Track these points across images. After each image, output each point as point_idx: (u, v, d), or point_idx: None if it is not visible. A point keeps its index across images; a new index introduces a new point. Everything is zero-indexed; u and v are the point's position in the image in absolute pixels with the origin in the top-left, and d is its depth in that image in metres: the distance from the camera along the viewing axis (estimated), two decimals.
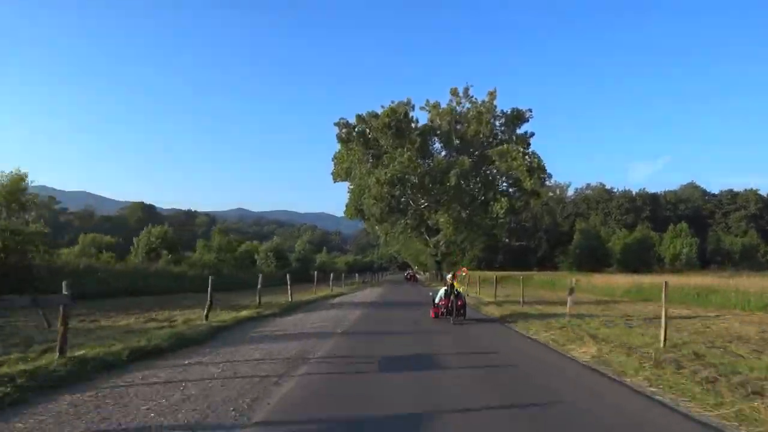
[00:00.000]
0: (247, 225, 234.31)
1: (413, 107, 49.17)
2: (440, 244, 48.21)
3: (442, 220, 43.29)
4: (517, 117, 50.91)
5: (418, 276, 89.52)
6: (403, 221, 48.30)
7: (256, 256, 54.01)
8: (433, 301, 14.72)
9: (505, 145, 47.29)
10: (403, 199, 51.56)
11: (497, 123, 51.06)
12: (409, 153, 43.81)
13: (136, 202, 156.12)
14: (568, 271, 79.06)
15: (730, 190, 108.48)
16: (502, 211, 44.08)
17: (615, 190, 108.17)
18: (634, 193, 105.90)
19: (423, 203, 48.77)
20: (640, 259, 73.75)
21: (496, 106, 50.04)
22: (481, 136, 48.98)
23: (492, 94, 49.51)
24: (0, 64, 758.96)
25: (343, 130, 49.38)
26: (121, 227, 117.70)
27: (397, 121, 45.45)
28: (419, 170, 44.26)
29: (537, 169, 46.40)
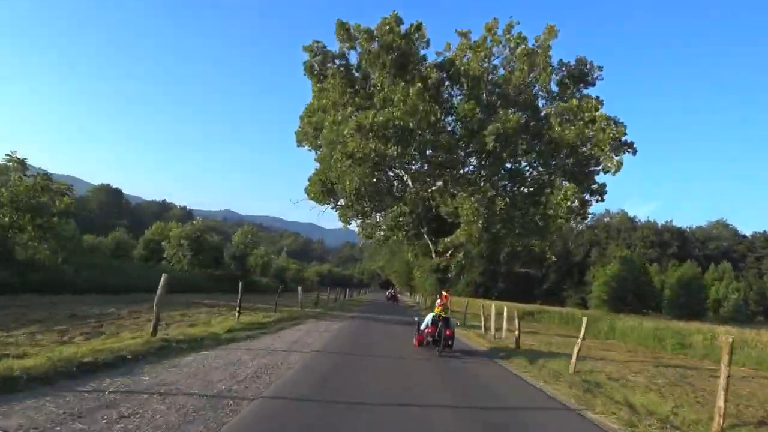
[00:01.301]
0: (228, 225, 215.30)
1: (427, 43, 29.56)
2: (452, 251, 28.29)
3: (465, 206, 23.23)
4: (580, 77, 31.59)
5: (400, 296, 70.76)
6: (396, 209, 28.12)
7: (164, 244, 33.36)
8: (418, 327, 12.66)
9: (574, 100, 27.89)
10: (397, 182, 31.75)
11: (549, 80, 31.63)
12: (419, 86, 24.07)
13: (100, 185, 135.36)
14: (581, 309, 59.64)
15: (764, 232, 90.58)
16: (566, 205, 24.33)
17: (638, 219, 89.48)
18: (659, 225, 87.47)
19: (430, 182, 28.76)
20: (687, 303, 54.59)
21: (551, 56, 30.58)
22: (533, 85, 29.55)
23: (551, 31, 30.04)
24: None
25: (316, 59, 29.57)
26: (80, 210, 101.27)
27: (402, 38, 25.84)
28: (433, 119, 24.39)
29: (622, 146, 26.95)
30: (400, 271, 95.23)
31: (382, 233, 36.20)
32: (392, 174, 31.84)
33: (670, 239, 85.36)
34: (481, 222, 22.83)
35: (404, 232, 33.33)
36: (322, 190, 29.99)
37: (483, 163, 25.96)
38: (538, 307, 36.82)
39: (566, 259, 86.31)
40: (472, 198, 23.52)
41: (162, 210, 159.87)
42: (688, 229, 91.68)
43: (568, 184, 25.14)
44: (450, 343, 11.70)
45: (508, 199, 24.71)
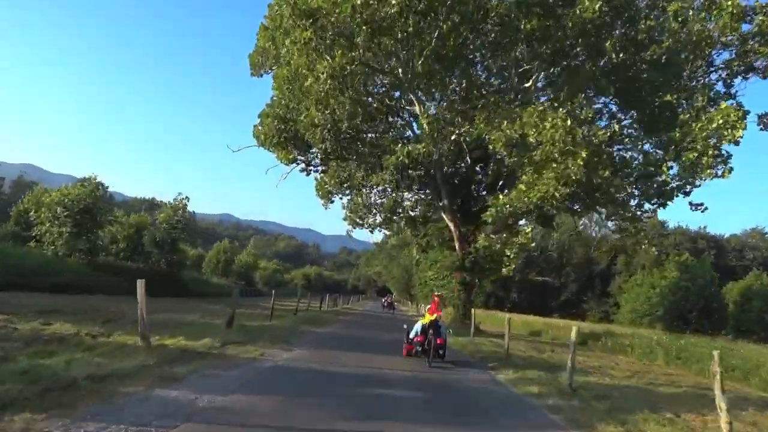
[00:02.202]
0: (223, 227, 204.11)
1: None
2: (496, 230, 15.85)
3: (550, 127, 10.83)
4: None
5: (397, 304, 58.62)
6: (400, 152, 15.66)
7: (33, 216, 21.03)
8: (408, 335, 10.95)
9: None
10: (402, 123, 19.60)
11: None
12: None
13: (83, 179, 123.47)
14: (604, 324, 47.40)
15: None
16: (733, 136, 12.07)
17: (667, 225, 77.09)
18: (692, 231, 75.34)
19: (460, 118, 16.37)
20: (757, 321, 42.35)
21: None
22: None
23: None
24: None
25: None
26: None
27: None
28: None
29: None
30: (399, 277, 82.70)
31: (379, 217, 23.84)
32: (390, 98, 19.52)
33: (705, 247, 73.13)
34: (585, 155, 10.37)
35: (409, 207, 20.88)
36: (279, 129, 17.67)
37: (567, 65, 13.64)
38: (605, 327, 24.43)
39: (587, 267, 74.06)
40: (560, 112, 11.11)
41: (150, 207, 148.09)
42: (721, 237, 79.46)
43: (724, 104, 12.90)
44: (441, 352, 10.27)
45: (616, 126, 12.34)
